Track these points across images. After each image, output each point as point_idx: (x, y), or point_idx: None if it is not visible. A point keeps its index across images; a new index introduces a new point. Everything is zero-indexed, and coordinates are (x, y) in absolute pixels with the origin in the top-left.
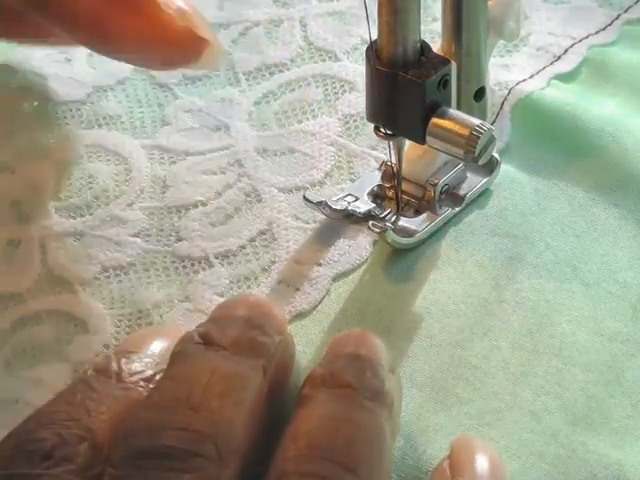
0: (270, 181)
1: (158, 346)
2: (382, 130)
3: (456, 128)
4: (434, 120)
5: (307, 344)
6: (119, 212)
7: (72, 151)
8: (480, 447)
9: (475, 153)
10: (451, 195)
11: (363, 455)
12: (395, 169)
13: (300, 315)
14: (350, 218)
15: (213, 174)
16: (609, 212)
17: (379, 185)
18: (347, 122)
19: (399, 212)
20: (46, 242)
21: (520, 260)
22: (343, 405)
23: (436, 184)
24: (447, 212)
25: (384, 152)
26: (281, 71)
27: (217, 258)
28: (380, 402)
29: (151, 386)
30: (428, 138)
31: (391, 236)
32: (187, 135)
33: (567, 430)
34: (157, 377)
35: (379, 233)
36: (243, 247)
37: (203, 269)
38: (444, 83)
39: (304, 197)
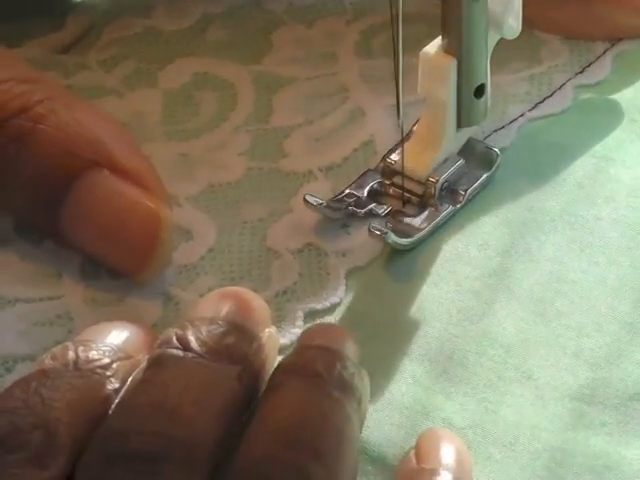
0: (375, 101)
1: (117, 336)
2: None
3: None
4: None
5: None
6: (225, 135)
7: (179, 80)
8: (446, 437)
9: None
10: (451, 192)
11: (330, 444)
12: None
13: None
14: (351, 218)
15: (319, 97)
16: None
17: (379, 182)
18: None
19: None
20: (152, 162)
21: (617, 181)
22: (313, 394)
23: (436, 181)
24: (448, 209)
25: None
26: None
27: (321, 171)
28: (348, 394)
29: (108, 373)
30: None
31: (392, 238)
32: (293, 62)
33: None
34: (114, 365)
35: (379, 236)
36: (347, 158)
37: (307, 182)
38: None
39: (304, 198)
